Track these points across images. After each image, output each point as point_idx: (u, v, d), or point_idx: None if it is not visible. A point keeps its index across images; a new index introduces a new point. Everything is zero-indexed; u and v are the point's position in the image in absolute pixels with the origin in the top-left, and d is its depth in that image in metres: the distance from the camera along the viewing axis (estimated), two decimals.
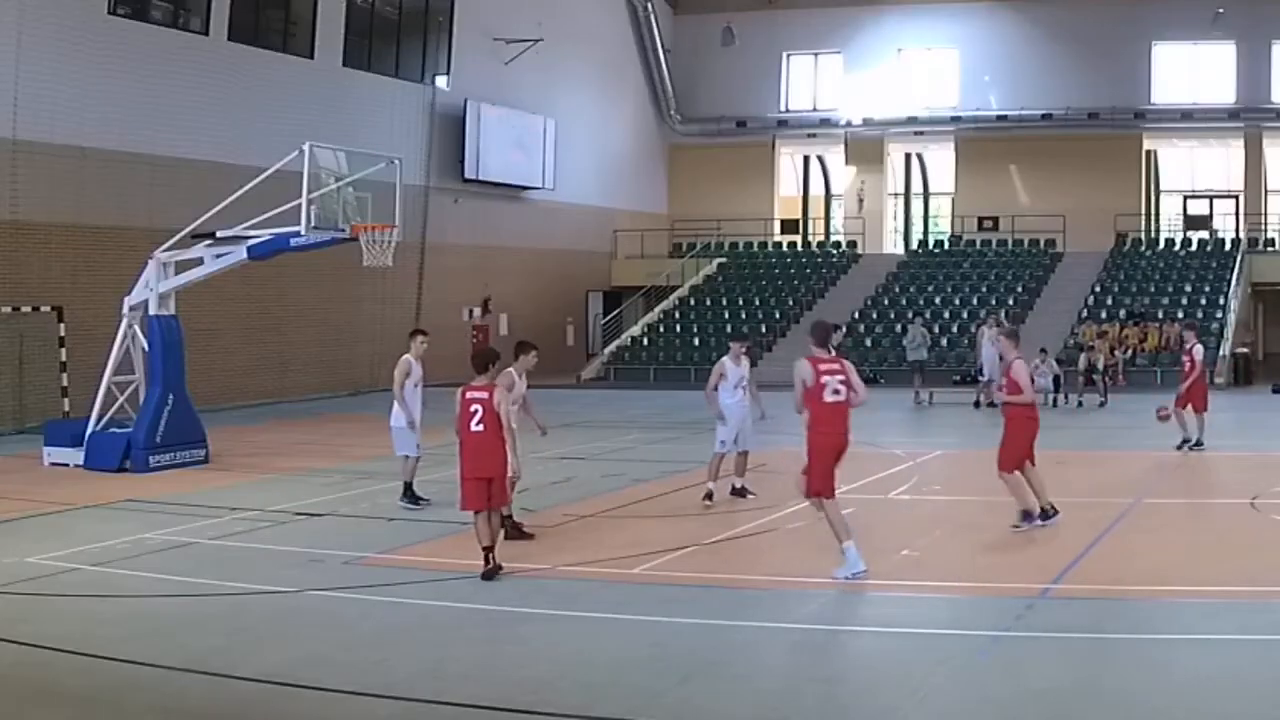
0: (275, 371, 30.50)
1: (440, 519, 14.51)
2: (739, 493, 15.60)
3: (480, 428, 11.35)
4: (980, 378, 28.84)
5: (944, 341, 35.61)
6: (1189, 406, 19.54)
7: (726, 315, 39.69)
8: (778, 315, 39.19)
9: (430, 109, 35.33)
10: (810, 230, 45.88)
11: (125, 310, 19.70)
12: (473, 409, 11.38)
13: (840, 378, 11.30)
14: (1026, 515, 13.24)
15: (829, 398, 11.24)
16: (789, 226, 45.92)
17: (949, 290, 39.00)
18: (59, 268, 25.40)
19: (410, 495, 15.34)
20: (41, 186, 25.03)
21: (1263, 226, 40.77)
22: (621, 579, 11.59)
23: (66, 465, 19.25)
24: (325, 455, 18.85)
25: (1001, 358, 14.29)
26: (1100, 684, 8.36)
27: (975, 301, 37.96)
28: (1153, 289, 37.34)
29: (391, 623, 10.33)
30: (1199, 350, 19.92)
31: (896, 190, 45.96)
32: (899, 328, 36.16)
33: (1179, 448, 19.23)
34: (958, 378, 32.62)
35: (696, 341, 38.35)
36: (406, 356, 15.37)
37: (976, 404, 27.96)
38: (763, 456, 19.95)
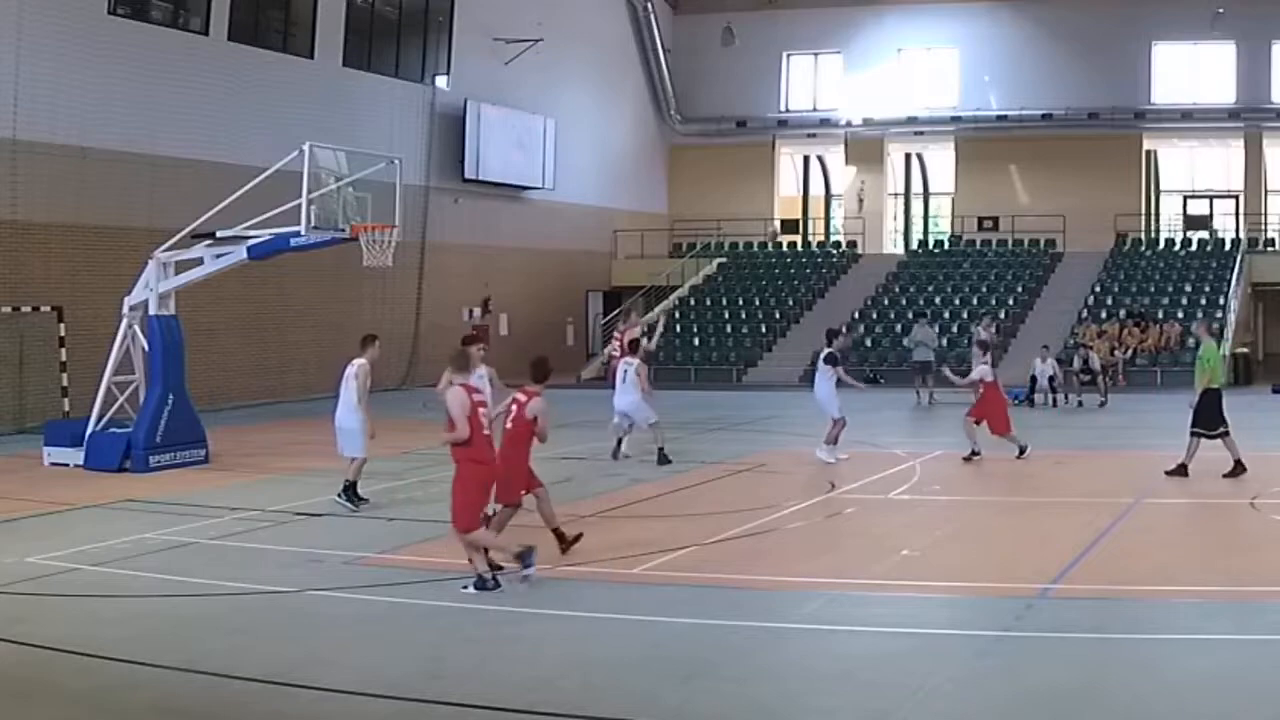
0: (275, 371, 30.48)
1: (439, 519, 14.51)
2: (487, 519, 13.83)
3: (509, 426, 12.05)
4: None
5: (944, 341, 35.57)
6: (982, 422, 18.79)
7: (726, 315, 39.69)
8: (778, 315, 39.18)
9: (430, 109, 35.32)
10: (810, 230, 45.89)
11: (125, 310, 19.69)
12: (511, 408, 12.10)
13: None
14: (481, 581, 10.98)
15: None
16: (789, 226, 45.90)
17: (949, 290, 38.98)
18: (59, 268, 25.38)
19: (353, 495, 15.30)
20: (41, 186, 25.01)
21: (1263, 226, 40.74)
22: (621, 579, 11.59)
23: (66, 465, 19.24)
24: (325, 455, 18.76)
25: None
26: (1100, 684, 8.36)
27: (975, 301, 37.93)
28: (1153, 289, 37.32)
29: (391, 622, 10.34)
30: (982, 371, 19.16)
31: (896, 190, 45.95)
32: (899, 328, 36.15)
33: (967, 458, 18.55)
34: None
35: (696, 341, 38.35)
36: (363, 361, 15.47)
37: None
38: (763, 456, 20.01)
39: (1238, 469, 16.54)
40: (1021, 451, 18.82)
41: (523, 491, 12.15)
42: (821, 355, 19.26)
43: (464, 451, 11.07)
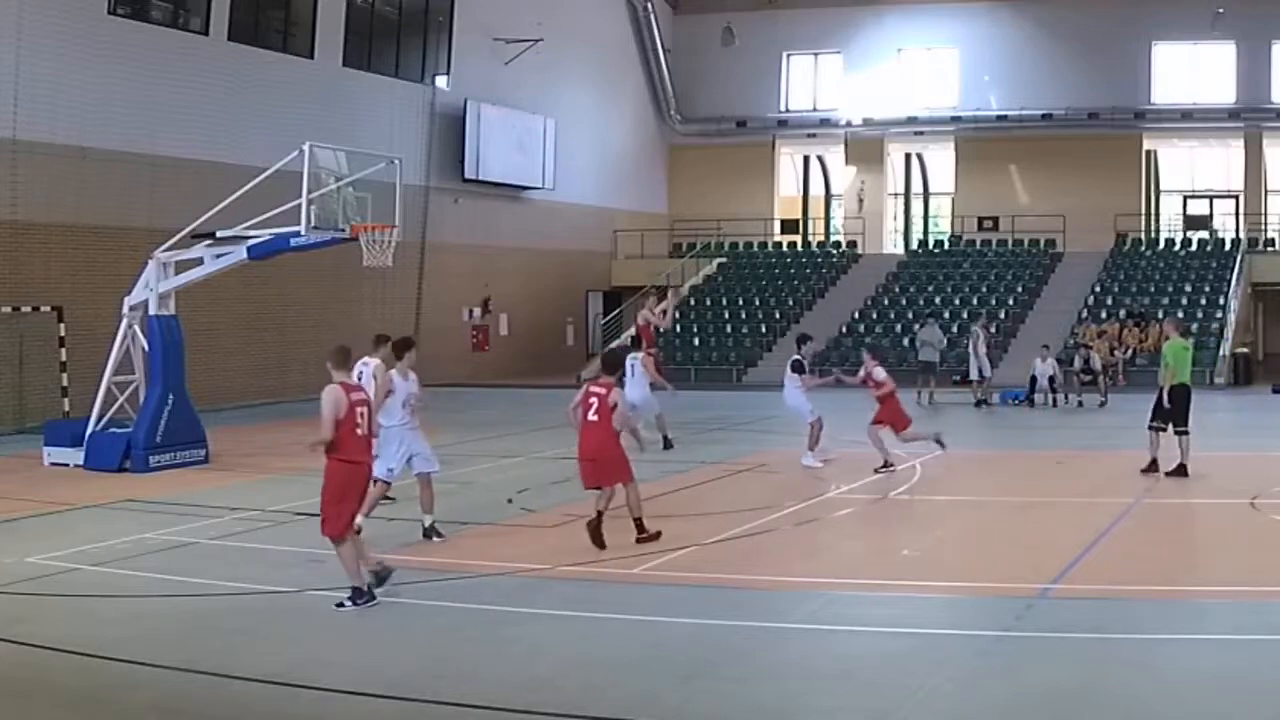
0: (275, 371, 30.48)
1: (439, 519, 14.52)
2: (430, 533, 13.37)
3: (595, 418, 13.00)
4: (971, 378, 29.00)
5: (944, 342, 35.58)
6: (888, 426, 18.24)
7: (726, 315, 39.70)
8: (778, 315, 39.17)
9: (430, 109, 35.33)
10: (810, 230, 45.89)
11: (125, 310, 19.69)
12: (591, 401, 13.10)
13: None
14: (358, 593, 10.51)
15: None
16: (789, 226, 45.90)
17: (949, 290, 38.97)
18: (59, 268, 25.39)
19: None
20: (41, 186, 25.02)
21: (1263, 226, 40.74)
22: (621, 579, 11.59)
23: (66, 465, 19.24)
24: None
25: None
26: (1100, 684, 8.36)
27: (975, 301, 37.92)
28: (1153, 289, 37.32)
29: (391, 623, 10.33)
30: (879, 372, 18.54)
31: (896, 190, 45.95)
32: (899, 328, 36.15)
33: (878, 470, 17.86)
34: (958, 378, 32.62)
35: (696, 341, 38.35)
36: (378, 360, 15.25)
37: (977, 404, 28.22)
38: (763, 456, 20.00)
39: (1153, 467, 16.82)
40: (884, 466, 18.03)
41: (615, 481, 13.05)
42: (789, 362, 19.11)
43: (333, 452, 10.54)
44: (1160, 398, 16.92)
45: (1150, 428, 17.05)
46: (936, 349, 29.88)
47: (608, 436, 12.95)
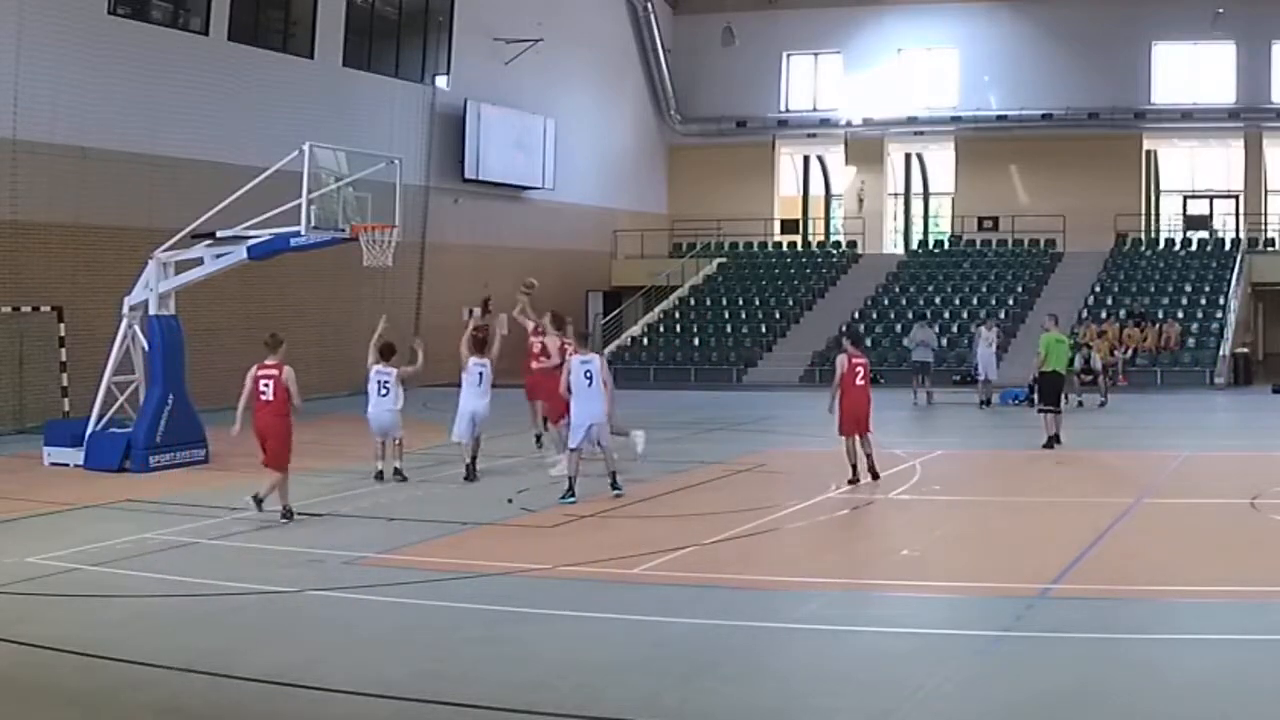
0: None
1: (439, 519, 14.54)
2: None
3: (861, 383, 16.18)
4: (978, 378, 28.97)
5: (944, 341, 35.57)
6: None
7: (726, 315, 39.69)
8: (778, 315, 39.17)
9: (430, 109, 35.32)
10: (810, 230, 45.89)
11: (125, 310, 19.69)
12: (857, 369, 16.35)
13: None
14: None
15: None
16: (789, 226, 45.89)
17: (949, 290, 38.97)
18: (59, 268, 25.36)
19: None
20: (41, 186, 24.99)
21: (1263, 226, 40.72)
22: (621, 579, 11.59)
23: (66, 465, 19.23)
24: (325, 455, 18.85)
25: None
26: (1100, 684, 8.36)
27: (975, 301, 37.93)
28: (1153, 289, 37.32)
29: (391, 623, 10.34)
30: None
31: (896, 190, 45.94)
32: (899, 328, 36.15)
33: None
34: (958, 378, 32.62)
35: (696, 341, 38.34)
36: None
37: (982, 404, 28.18)
38: (763, 456, 20.00)
39: (1051, 443, 19.72)
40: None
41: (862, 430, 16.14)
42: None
43: None
44: (1051, 384, 19.98)
45: (1039, 411, 20.31)
46: (930, 349, 29.88)
47: (864, 397, 16.11)
